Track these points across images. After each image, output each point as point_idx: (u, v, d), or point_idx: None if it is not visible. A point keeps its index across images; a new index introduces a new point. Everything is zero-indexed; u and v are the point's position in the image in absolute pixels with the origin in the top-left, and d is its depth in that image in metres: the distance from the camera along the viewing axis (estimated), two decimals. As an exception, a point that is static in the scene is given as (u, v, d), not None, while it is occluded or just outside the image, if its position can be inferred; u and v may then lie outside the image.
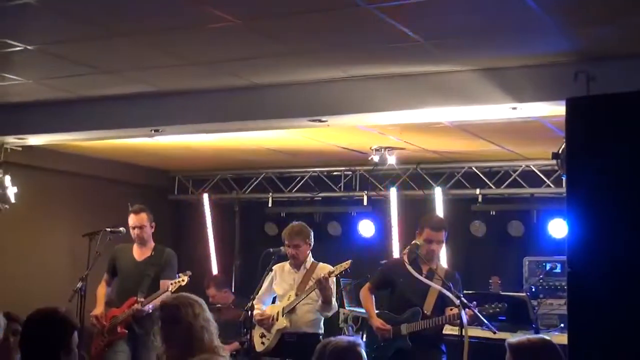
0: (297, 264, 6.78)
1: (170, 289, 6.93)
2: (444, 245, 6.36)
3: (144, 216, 7.24)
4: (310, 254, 6.85)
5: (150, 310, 6.96)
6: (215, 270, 10.42)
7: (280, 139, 7.99)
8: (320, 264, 6.81)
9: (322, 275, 6.47)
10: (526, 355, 3.64)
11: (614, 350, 4.35)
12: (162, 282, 7.07)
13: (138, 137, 7.51)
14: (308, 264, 6.79)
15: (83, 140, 7.84)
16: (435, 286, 6.01)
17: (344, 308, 8.73)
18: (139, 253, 7.26)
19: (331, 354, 3.75)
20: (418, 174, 9.38)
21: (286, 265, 6.87)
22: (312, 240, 6.83)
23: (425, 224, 6.26)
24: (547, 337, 3.81)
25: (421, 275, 6.11)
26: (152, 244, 7.28)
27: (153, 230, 7.31)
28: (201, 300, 4.42)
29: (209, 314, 4.40)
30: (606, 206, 4.48)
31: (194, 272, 9.60)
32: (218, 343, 4.38)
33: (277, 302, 6.87)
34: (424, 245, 6.18)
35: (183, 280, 6.94)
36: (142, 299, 6.99)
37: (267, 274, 6.78)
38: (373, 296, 6.46)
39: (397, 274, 6.27)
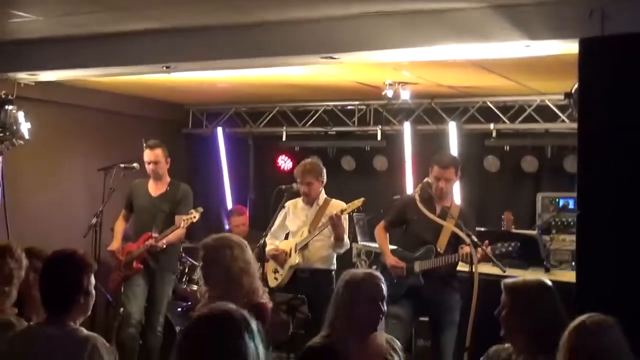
0: (309, 201, 6.84)
1: (182, 225, 7.01)
2: (454, 183, 6.33)
3: (159, 152, 7.28)
4: (323, 191, 6.89)
5: (165, 246, 7.05)
6: (229, 204, 10.52)
7: (294, 74, 7.97)
8: (333, 200, 6.86)
9: (335, 212, 6.51)
10: (521, 296, 3.67)
11: (622, 291, 4.39)
12: (177, 217, 7.14)
13: (149, 73, 7.49)
14: (321, 201, 6.84)
15: (94, 76, 7.84)
16: (448, 225, 6.03)
17: (357, 243, 8.82)
18: (154, 188, 7.31)
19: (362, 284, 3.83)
20: (432, 109, 9.36)
21: (299, 201, 6.92)
22: (325, 177, 6.87)
23: (434, 161, 6.27)
24: (544, 279, 3.82)
25: (434, 214, 6.13)
26: (167, 179, 7.32)
27: (168, 166, 7.35)
28: (243, 242, 4.42)
29: (249, 256, 4.42)
30: (618, 148, 4.47)
31: (208, 206, 9.63)
32: (258, 284, 4.42)
33: (290, 238, 6.94)
34: (433, 183, 6.19)
35: (194, 217, 6.99)
36: (156, 235, 7.07)
37: (280, 210, 6.84)
38: (387, 234, 6.49)
39: (411, 212, 6.28)
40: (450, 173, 6.20)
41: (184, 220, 6.99)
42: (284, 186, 6.83)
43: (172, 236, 7.07)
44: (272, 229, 6.88)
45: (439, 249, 6.15)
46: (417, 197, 6.21)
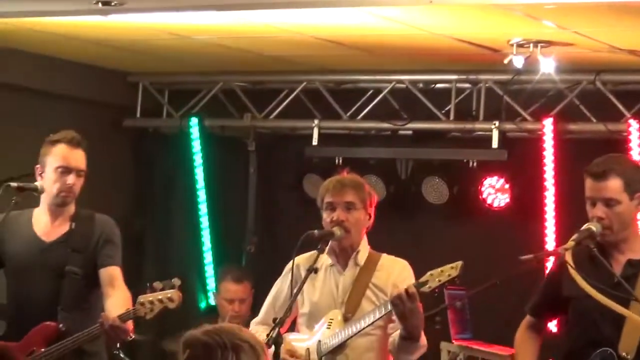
0: (344, 253, 6.86)
1: (142, 311, 6.88)
2: (629, 209, 6.16)
3: (83, 155, 7.29)
4: (366, 239, 6.89)
5: (132, 336, 7.00)
6: (209, 259, 10.77)
7: (338, 22, 8.12)
8: (387, 256, 6.88)
9: (406, 287, 6.49)
10: None
11: None
12: (106, 272, 7.18)
13: (72, 16, 7.69)
14: (362, 257, 6.86)
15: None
16: (631, 315, 5.99)
17: (449, 342, 8.93)
18: (47, 226, 7.29)
19: None
20: (598, 93, 9.45)
21: (323, 259, 6.90)
22: (374, 208, 6.87)
23: (586, 171, 6.23)
24: None
25: (611, 283, 6.04)
26: (72, 208, 7.35)
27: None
28: (258, 343, 4.48)
29: None
30: None
31: (170, 262, 9.67)
32: None
33: (303, 330, 6.95)
34: (589, 212, 6.12)
35: (170, 299, 6.93)
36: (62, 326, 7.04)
37: (287, 273, 6.86)
38: (539, 337, 6.48)
39: (569, 284, 6.15)
40: (612, 187, 6.10)
41: (146, 303, 6.91)
42: (317, 231, 6.75)
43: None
44: (265, 305, 7.03)
45: (624, 354, 6.13)
46: (567, 257, 6.17)
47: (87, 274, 7.13)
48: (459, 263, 6.35)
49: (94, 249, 7.16)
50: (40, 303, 7.12)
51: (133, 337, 6.93)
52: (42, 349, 6.93)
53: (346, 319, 6.69)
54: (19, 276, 7.26)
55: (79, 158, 7.18)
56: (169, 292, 6.81)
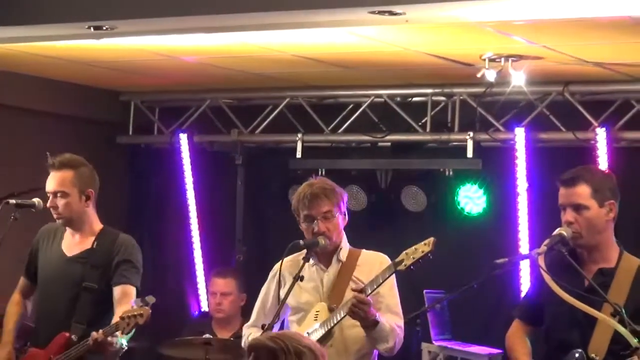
0: (327, 254, 6.82)
1: (122, 325, 6.73)
2: (600, 216, 6.16)
3: (67, 176, 7.10)
4: (345, 236, 6.89)
5: (125, 347, 6.95)
6: (200, 267, 10.77)
7: (322, 41, 8.13)
8: (365, 252, 6.90)
9: (380, 272, 6.50)
10: None
11: None
12: (118, 290, 7.08)
13: (67, 40, 7.68)
14: (344, 254, 6.84)
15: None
16: (601, 316, 5.94)
17: (430, 343, 8.89)
18: (71, 241, 7.27)
19: None
20: (566, 104, 9.47)
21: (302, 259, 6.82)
22: (346, 206, 6.88)
23: (557, 180, 6.26)
24: None
25: (582, 287, 6.08)
26: (94, 226, 7.28)
27: (89, 202, 7.27)
28: (321, 351, 4.52)
29: None
30: None
31: (164, 270, 9.59)
32: None
33: (293, 327, 6.85)
34: (562, 217, 6.19)
35: (141, 316, 6.71)
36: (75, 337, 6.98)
37: (272, 278, 6.89)
38: (527, 339, 6.44)
39: (546, 291, 6.17)
40: (580, 193, 6.16)
41: (124, 320, 6.74)
42: (302, 241, 6.75)
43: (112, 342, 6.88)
44: (255, 309, 6.98)
45: (593, 355, 6.06)
46: (540, 261, 6.13)
47: (102, 289, 7.14)
48: (432, 239, 6.49)
49: (111, 266, 7.14)
50: (58, 314, 7.16)
51: (125, 348, 6.94)
52: (56, 357, 6.96)
53: (331, 310, 6.67)
54: (44, 287, 7.33)
55: (52, 181, 7.16)
56: (141, 310, 6.73)
